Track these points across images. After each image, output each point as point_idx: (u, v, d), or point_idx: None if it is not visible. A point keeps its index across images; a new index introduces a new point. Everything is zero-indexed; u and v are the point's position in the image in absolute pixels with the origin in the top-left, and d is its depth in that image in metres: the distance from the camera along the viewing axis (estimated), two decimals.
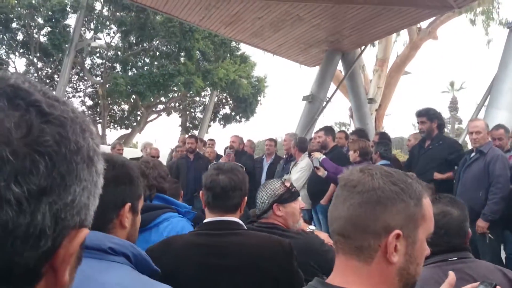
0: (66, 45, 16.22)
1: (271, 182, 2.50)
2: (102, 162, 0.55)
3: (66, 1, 17.39)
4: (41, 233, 0.46)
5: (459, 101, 48.96)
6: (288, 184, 2.49)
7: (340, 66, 12.20)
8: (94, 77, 21.30)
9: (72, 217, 0.50)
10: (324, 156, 5.66)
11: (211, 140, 9.30)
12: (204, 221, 2.08)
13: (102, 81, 20.30)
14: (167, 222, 2.58)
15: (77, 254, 0.53)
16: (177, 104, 24.84)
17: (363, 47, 11.86)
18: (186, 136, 9.63)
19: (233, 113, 24.38)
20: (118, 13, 18.85)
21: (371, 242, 0.97)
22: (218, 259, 1.91)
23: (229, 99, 24.61)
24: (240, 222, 2.09)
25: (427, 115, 5.49)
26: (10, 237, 0.44)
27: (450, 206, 1.99)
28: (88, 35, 18.97)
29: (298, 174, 6.25)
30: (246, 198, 2.14)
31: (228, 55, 21.00)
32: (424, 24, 15.00)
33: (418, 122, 5.63)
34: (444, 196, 2.07)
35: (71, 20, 17.94)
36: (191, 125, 25.01)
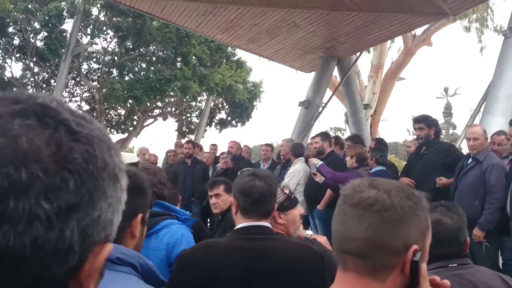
0: (63, 50, 16.17)
1: None
2: (126, 179, 0.57)
3: (62, 6, 17.35)
4: (69, 248, 0.47)
5: (453, 106, 49.24)
6: (287, 191, 2.48)
7: (335, 72, 12.24)
8: (90, 82, 21.22)
9: (98, 233, 0.51)
10: (321, 162, 5.66)
11: (213, 145, 9.29)
12: (241, 225, 2.08)
13: (98, 86, 20.25)
14: (167, 229, 2.57)
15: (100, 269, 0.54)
16: (173, 109, 24.80)
17: (358, 54, 11.91)
18: (183, 141, 9.61)
19: (229, 118, 24.37)
20: (115, 19, 18.82)
21: (392, 260, 0.96)
22: (260, 263, 1.93)
23: (225, 104, 24.59)
24: (271, 227, 2.13)
25: (425, 122, 5.44)
26: (40, 253, 0.45)
27: (445, 215, 1.98)
28: (85, 40, 18.90)
29: (287, 179, 6.24)
30: (276, 205, 2.17)
31: (224, 60, 21.01)
32: (418, 31, 15.10)
33: (415, 129, 5.56)
34: (443, 204, 2.06)
35: (68, 25, 17.98)
36: (187, 130, 24.97)
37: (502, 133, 5.23)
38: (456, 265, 1.94)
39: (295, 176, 6.24)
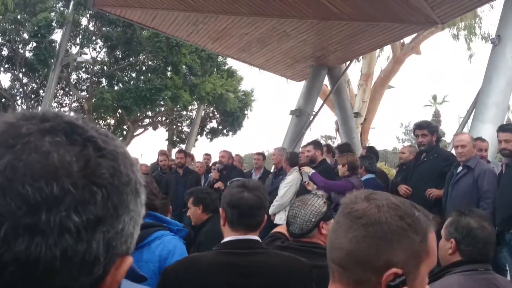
0: (52, 60, 16.09)
1: (311, 199, 2.38)
2: (145, 193, 0.59)
3: (52, 16, 17.29)
4: (95, 260, 0.50)
5: (442, 114, 49.53)
6: (325, 200, 2.44)
7: (326, 81, 12.30)
8: (80, 92, 21.11)
9: (121, 245, 0.53)
10: (314, 171, 5.66)
11: (207, 155, 9.25)
12: (227, 239, 2.03)
13: (88, 95, 20.14)
14: (159, 241, 2.54)
15: None
16: (163, 119, 24.73)
17: (348, 62, 11.99)
18: (175, 150, 9.60)
19: (220, 127, 24.34)
20: (104, 28, 18.78)
21: (372, 277, 0.93)
22: (247, 279, 1.89)
23: (216, 113, 24.58)
24: (260, 240, 2.08)
25: (429, 128, 5.37)
26: (68, 264, 0.47)
27: (484, 221, 2.12)
28: (74, 50, 18.83)
29: (285, 189, 6.19)
30: (266, 216, 2.12)
31: (215, 69, 21.03)
32: (407, 40, 15.22)
33: (416, 135, 5.46)
34: (476, 210, 2.25)
35: (57, 35, 17.83)
36: (178, 139, 24.88)
37: (485, 140, 5.32)
38: (483, 269, 2.06)
39: (293, 185, 6.17)
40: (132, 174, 0.54)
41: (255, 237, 2.04)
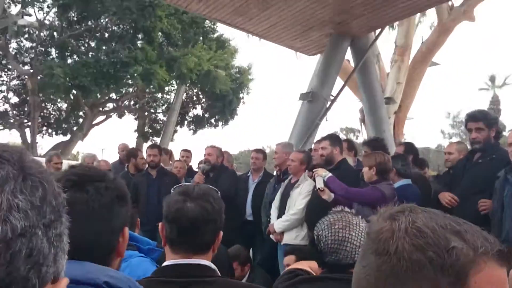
0: None
1: (350, 217, 2.44)
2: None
3: None
4: (39, 251, 0.68)
5: (502, 101, 49.67)
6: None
7: (348, 55, 12.29)
8: (21, 65, 21.12)
9: (59, 252, 0.73)
10: (330, 174, 5.65)
11: (186, 151, 9.20)
12: (165, 264, 2.02)
13: (32, 70, 20.15)
14: (125, 264, 2.56)
15: None
16: (132, 103, 24.77)
17: (378, 31, 11.98)
18: (147, 145, 9.59)
19: (206, 115, 24.42)
20: None
21: None
22: None
23: (201, 96, 24.64)
24: (212, 266, 2.02)
25: (485, 120, 5.28)
26: (17, 240, 0.64)
27: None
28: (14, 10, 18.86)
29: (305, 200, 6.11)
30: (221, 233, 2.07)
31: (201, 38, 21.04)
32: (457, 2, 15.21)
33: (469, 129, 5.38)
34: None
35: None
36: (150, 130, 24.96)
37: None
38: None
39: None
40: (59, 192, 0.75)
41: (203, 261, 1.99)
